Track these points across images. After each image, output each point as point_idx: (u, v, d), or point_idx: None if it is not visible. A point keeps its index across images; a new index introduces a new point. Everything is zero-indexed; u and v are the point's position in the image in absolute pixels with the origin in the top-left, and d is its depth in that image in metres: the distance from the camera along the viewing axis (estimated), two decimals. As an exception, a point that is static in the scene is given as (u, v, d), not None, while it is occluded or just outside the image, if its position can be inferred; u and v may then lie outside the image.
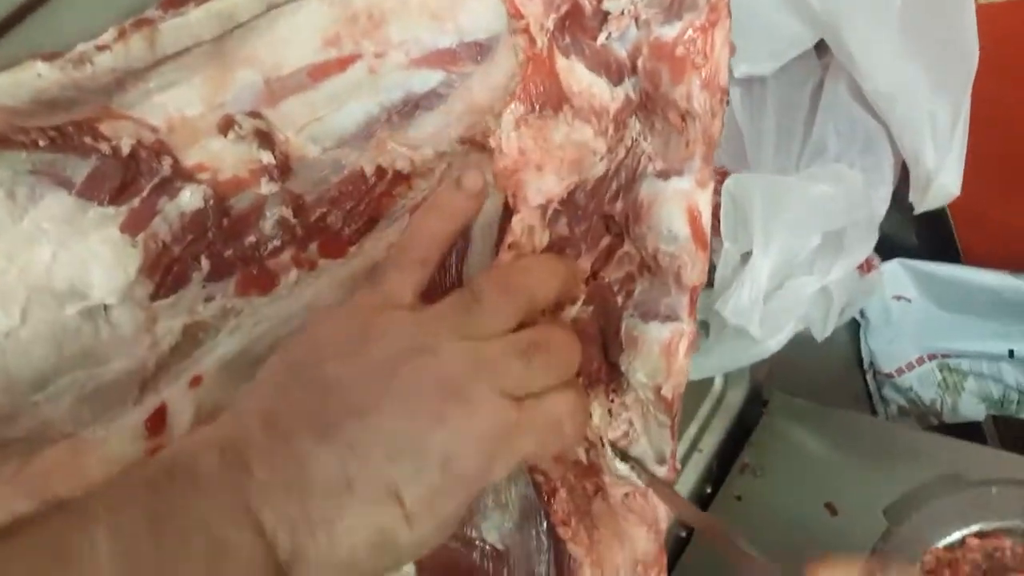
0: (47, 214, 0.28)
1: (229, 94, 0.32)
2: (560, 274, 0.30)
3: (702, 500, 0.61)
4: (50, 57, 0.27)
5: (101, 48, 0.27)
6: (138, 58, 0.29)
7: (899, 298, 0.71)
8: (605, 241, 0.33)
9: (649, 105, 0.31)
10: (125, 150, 0.29)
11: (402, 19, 0.33)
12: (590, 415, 0.34)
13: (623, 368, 0.34)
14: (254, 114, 0.32)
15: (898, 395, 0.75)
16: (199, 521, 0.24)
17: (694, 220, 0.30)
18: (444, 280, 0.35)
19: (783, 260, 0.40)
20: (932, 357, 0.74)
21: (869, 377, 0.76)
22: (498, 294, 0.29)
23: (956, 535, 0.37)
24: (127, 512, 0.23)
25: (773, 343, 0.47)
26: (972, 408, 0.73)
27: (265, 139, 0.33)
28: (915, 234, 0.70)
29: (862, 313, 0.74)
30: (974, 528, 0.38)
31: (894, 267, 0.69)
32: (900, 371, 0.74)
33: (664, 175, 0.31)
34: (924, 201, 0.48)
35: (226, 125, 0.32)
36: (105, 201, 0.29)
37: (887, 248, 0.69)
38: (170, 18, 0.28)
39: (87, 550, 0.22)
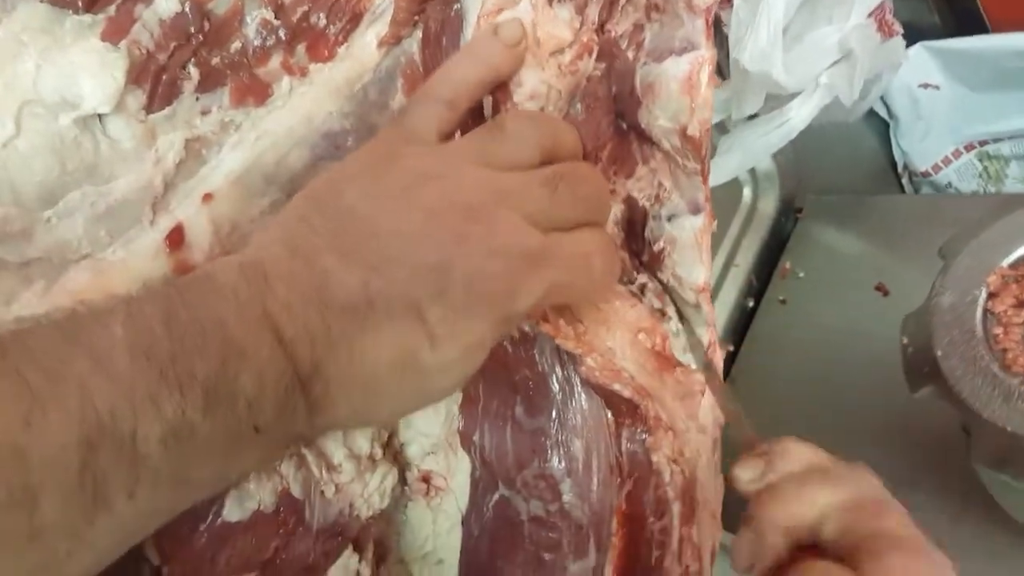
0: (21, 24, 0.26)
1: None
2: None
3: (745, 314, 0.60)
4: None
5: None
6: None
7: (926, 86, 0.67)
8: (607, -15, 0.31)
9: None
10: (88, -49, 0.28)
11: None
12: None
13: (643, 124, 0.32)
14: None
15: (937, 192, 0.72)
16: (215, 322, 0.23)
17: (698, -71, 0.28)
18: (442, 56, 0.34)
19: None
20: (969, 148, 0.71)
21: (904, 180, 0.73)
22: (523, 123, 0.28)
23: (1021, 250, 0.35)
24: (144, 308, 0.22)
25: (798, 114, 0.44)
26: (1018, 195, 0.70)
27: (232, -66, 0.31)
28: (936, 14, 0.66)
29: (889, 111, 0.70)
30: (1035, 240, 0.36)
31: (918, 52, 0.65)
32: (937, 168, 0.71)
33: None
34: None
35: (189, -80, 0.30)
36: (80, 9, 0.28)
37: (908, 35, 0.65)
38: None
39: (102, 335, 0.21)
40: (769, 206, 0.61)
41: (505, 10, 0.30)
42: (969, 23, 0.65)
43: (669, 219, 0.32)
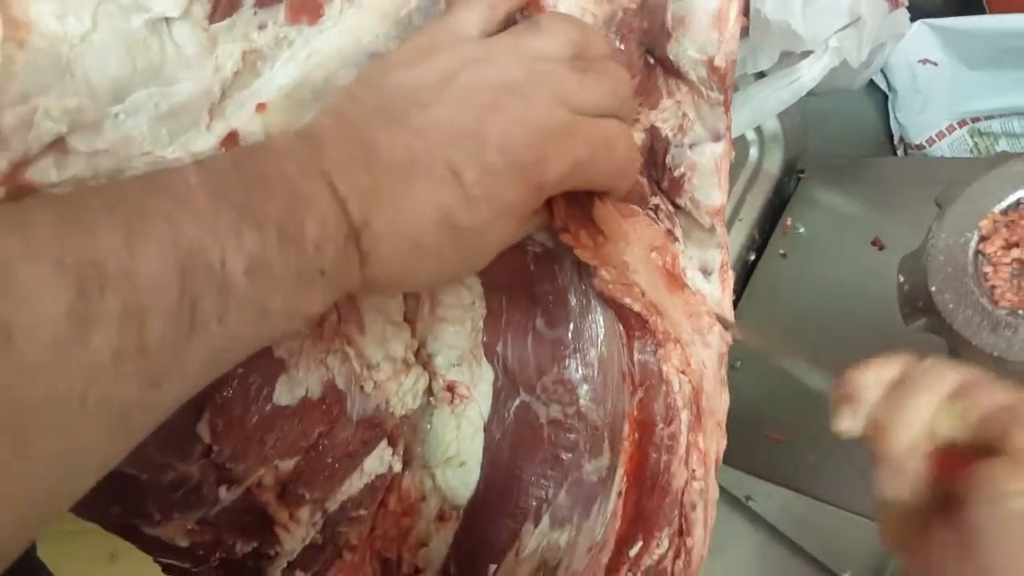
0: (99, -75, 0.28)
1: None
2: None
3: (747, 267, 0.62)
4: None
5: None
6: None
7: (926, 62, 0.70)
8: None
9: None
10: None
11: None
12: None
13: (672, 56, 0.34)
14: None
15: (932, 162, 0.75)
16: (279, 174, 0.25)
17: None
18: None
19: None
20: (962, 124, 0.74)
21: (900, 151, 0.76)
22: (557, 21, 0.30)
23: (1011, 198, 0.38)
24: (214, 162, 0.25)
25: (808, 73, 0.47)
26: (1004, 171, 0.73)
27: None
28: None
29: (889, 84, 0.73)
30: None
31: (918, 28, 0.68)
32: (931, 141, 0.74)
33: None
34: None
35: None
36: (152, -85, 0.29)
37: (911, 12, 0.67)
38: None
39: (178, 181, 0.23)
40: (774, 166, 0.63)
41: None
42: (968, 3, 0.68)
43: (691, 147, 0.34)
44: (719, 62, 0.32)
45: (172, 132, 0.31)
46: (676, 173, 0.35)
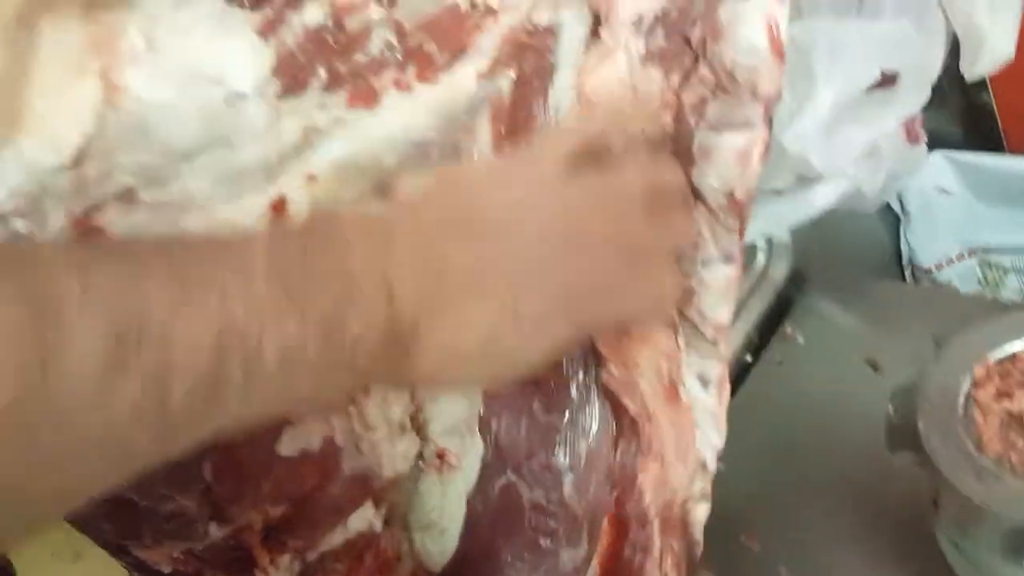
0: (200, 10, 0.32)
1: (347, -81, 0.35)
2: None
3: (743, 368, 0.64)
4: None
5: None
6: None
7: (941, 190, 0.73)
8: (686, 63, 0.36)
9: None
10: (261, -40, 0.33)
11: None
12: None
13: (695, 181, 0.37)
14: (367, -60, 0.36)
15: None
16: (341, 269, 0.26)
17: (772, 33, 0.33)
18: (531, 103, 0.39)
19: (844, 91, 0.43)
20: (972, 253, 0.77)
21: (908, 273, 0.78)
22: (638, 162, 0.32)
23: (1008, 349, 0.40)
24: (283, 240, 0.26)
25: (822, 196, 0.50)
26: (1013, 305, 0.75)
27: (376, -35, 0.36)
28: (959, 128, 0.72)
29: (903, 207, 0.76)
30: (1024, 341, 0.40)
31: (937, 158, 0.71)
32: (939, 266, 0.77)
33: (744, -8, 0.34)
34: (976, 65, 0.50)
35: (344, -51, 0.35)
36: (245, 5, 0.33)
37: (931, 142, 0.70)
38: None
39: (246, 253, 0.25)
40: (779, 274, 0.66)
41: (605, 63, 0.35)
42: (988, 140, 0.71)
43: (703, 264, 0.37)
44: (739, 196, 0.35)
45: (230, 192, 0.34)
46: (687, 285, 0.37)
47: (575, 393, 0.39)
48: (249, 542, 0.35)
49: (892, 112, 0.48)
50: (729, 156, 0.35)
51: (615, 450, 0.38)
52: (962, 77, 0.53)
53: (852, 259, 0.73)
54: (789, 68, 0.44)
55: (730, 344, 0.38)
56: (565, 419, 0.39)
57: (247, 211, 0.35)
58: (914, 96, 0.48)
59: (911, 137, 0.56)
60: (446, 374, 0.29)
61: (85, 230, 0.30)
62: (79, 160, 0.29)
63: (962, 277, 0.76)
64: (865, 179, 0.51)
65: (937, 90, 0.57)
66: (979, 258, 0.76)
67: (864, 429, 0.47)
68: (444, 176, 0.33)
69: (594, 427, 0.38)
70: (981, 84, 0.67)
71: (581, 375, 0.39)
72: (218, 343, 0.23)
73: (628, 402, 0.37)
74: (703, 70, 0.36)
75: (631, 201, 0.31)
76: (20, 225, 0.28)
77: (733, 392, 0.62)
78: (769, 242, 0.66)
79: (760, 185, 0.56)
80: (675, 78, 0.35)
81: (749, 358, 0.65)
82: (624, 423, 0.37)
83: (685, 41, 0.35)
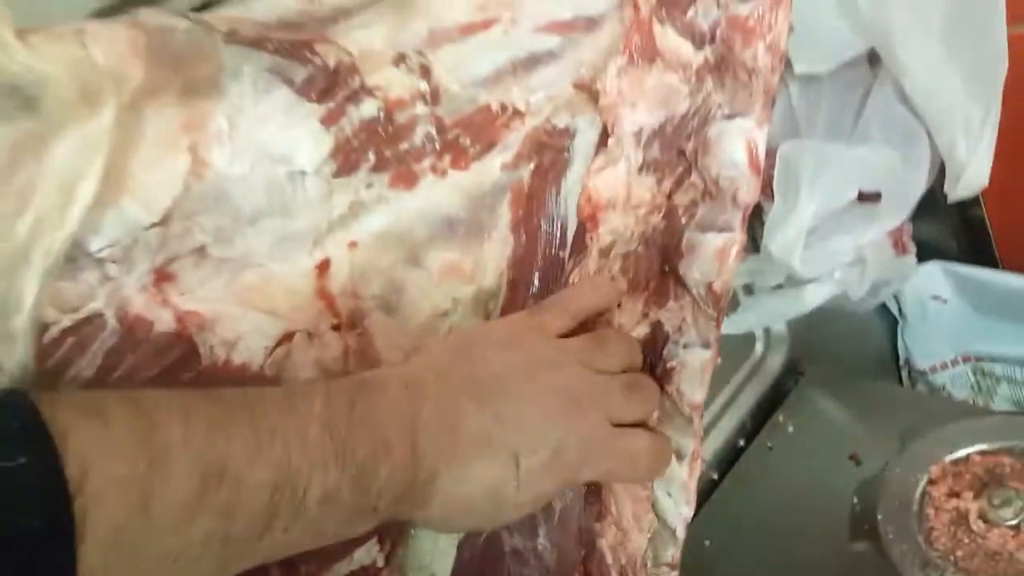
0: (275, 102, 0.38)
1: (404, 37, 0.42)
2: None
3: (733, 451, 0.68)
4: (296, -9, 0.37)
5: (329, -10, 0.38)
6: (349, 2, 0.40)
7: (936, 298, 0.77)
8: (679, 171, 0.42)
9: (722, 66, 0.41)
10: (331, 66, 0.40)
11: (534, -7, 0.43)
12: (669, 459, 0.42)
13: (681, 272, 0.42)
14: (419, 54, 0.43)
15: (931, 392, 0.80)
16: (379, 422, 0.32)
17: (751, 151, 0.39)
18: (544, 192, 0.45)
19: (825, 206, 0.48)
20: (967, 359, 0.80)
21: (904, 373, 0.82)
22: (619, 344, 0.40)
23: (962, 452, 0.43)
24: (336, 396, 0.32)
25: (811, 296, 0.54)
26: (1004, 413, 0.77)
27: (425, 73, 0.43)
28: (955, 241, 0.76)
29: (900, 311, 0.80)
30: (979, 447, 0.44)
31: (932, 268, 0.76)
32: (934, 369, 0.80)
33: (730, 117, 0.40)
34: (956, 190, 0.55)
35: (399, 59, 0.42)
36: (313, 99, 0.39)
37: (927, 252, 0.75)
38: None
39: (307, 408, 0.30)
40: (776, 364, 0.70)
41: (608, 168, 0.41)
42: (983, 254, 0.75)
43: (684, 346, 0.41)
44: (716, 288, 0.40)
45: (283, 252, 0.40)
46: (669, 365, 0.42)
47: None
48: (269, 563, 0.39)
49: (874, 225, 0.53)
50: (709, 252, 0.40)
51: (584, 513, 0.42)
52: (957, 194, 0.58)
53: (848, 355, 0.77)
54: (780, 181, 0.50)
55: (716, 418, 0.42)
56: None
57: (296, 270, 0.41)
58: (895, 213, 0.53)
59: (899, 248, 0.61)
60: (449, 520, 0.35)
61: (162, 277, 0.36)
62: (166, 220, 0.35)
63: (956, 381, 0.79)
64: (851, 284, 0.56)
65: (933, 204, 0.62)
66: (972, 365, 0.79)
67: (835, 518, 0.50)
68: (461, 340, 0.39)
69: (569, 491, 0.42)
70: (975, 200, 0.72)
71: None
72: (275, 488, 0.28)
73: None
74: (695, 177, 0.42)
75: (612, 376, 0.38)
76: (113, 270, 0.34)
77: (724, 473, 0.66)
78: (767, 333, 0.71)
79: (757, 282, 0.62)
80: (667, 184, 0.41)
81: (742, 442, 0.68)
82: (591, 488, 0.41)
83: (680, 152, 0.41)
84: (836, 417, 0.65)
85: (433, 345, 0.39)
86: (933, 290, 0.77)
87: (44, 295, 0.30)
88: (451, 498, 0.33)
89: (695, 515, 0.63)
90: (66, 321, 0.31)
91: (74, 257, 0.32)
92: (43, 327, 0.31)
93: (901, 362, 0.83)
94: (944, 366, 0.80)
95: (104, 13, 0.36)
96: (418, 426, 0.33)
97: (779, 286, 0.61)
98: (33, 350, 0.30)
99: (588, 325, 0.41)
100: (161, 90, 0.35)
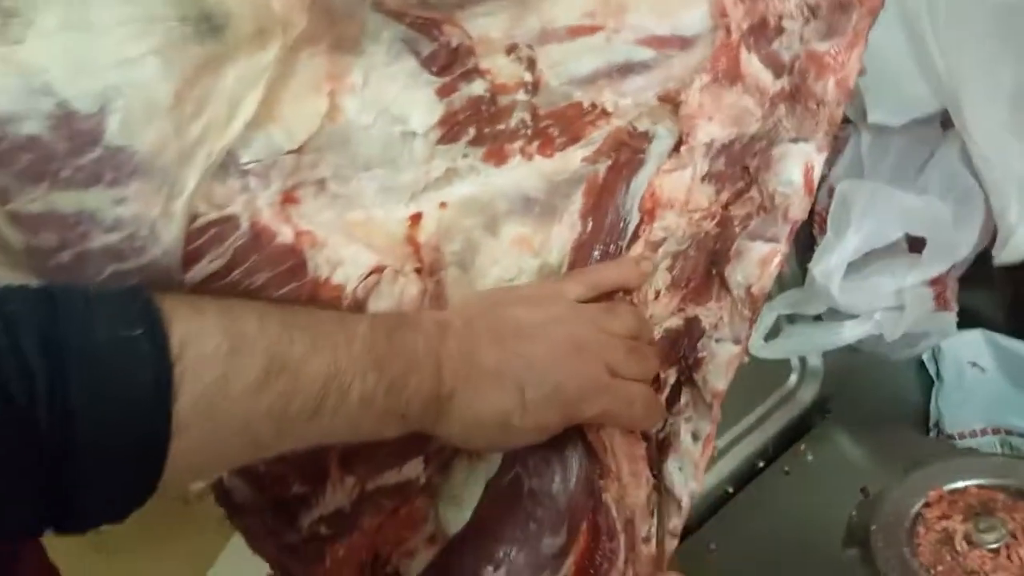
0: (402, 68, 0.45)
1: (518, 31, 0.48)
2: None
3: (753, 471, 0.71)
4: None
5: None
6: (477, -8, 0.46)
7: (975, 365, 0.79)
8: (740, 185, 0.47)
9: (796, 96, 0.45)
10: (453, 45, 0.46)
11: (639, 10, 0.49)
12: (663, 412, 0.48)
13: (727, 274, 0.47)
14: (529, 47, 0.49)
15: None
16: (411, 348, 0.39)
17: (807, 172, 0.44)
18: (616, 186, 0.50)
19: (870, 241, 0.52)
20: (996, 431, 0.81)
21: (933, 434, 0.83)
22: (628, 315, 0.46)
23: (961, 483, 0.47)
24: (380, 322, 0.39)
25: (848, 331, 0.58)
26: (1026, 488, 0.78)
27: (530, 65, 0.49)
28: (1002, 311, 0.78)
29: (938, 373, 0.82)
30: (978, 481, 0.47)
31: (975, 335, 0.78)
32: (963, 435, 0.81)
33: (795, 140, 0.45)
34: (1003, 253, 0.58)
35: (511, 49, 0.48)
36: (433, 72, 0.46)
37: (973, 319, 0.77)
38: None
39: (354, 327, 0.37)
40: (806, 397, 0.73)
41: (676, 171, 0.46)
42: (1027, 330, 0.77)
43: (717, 340, 0.46)
44: (755, 291, 0.44)
45: (383, 200, 0.47)
46: (700, 355, 0.46)
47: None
48: (328, 457, 0.45)
49: (916, 272, 0.56)
50: (755, 258, 0.45)
51: (591, 467, 0.47)
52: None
53: (879, 405, 0.79)
54: (834, 215, 0.54)
55: (720, 410, 0.46)
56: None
57: (394, 216, 0.47)
58: (938, 263, 0.57)
59: (940, 302, 0.64)
60: (465, 435, 0.41)
61: (288, 198, 0.43)
62: (301, 150, 0.42)
63: (982, 449, 0.80)
64: (887, 326, 0.59)
65: (986, 271, 0.65)
66: (1002, 437, 0.80)
67: (833, 534, 0.54)
68: (491, 296, 0.46)
69: (580, 445, 0.47)
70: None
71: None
72: (327, 379, 0.34)
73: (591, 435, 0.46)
74: (753, 192, 0.46)
75: (618, 337, 0.44)
76: (252, 183, 0.41)
77: (739, 489, 0.70)
78: (803, 366, 0.74)
79: (799, 312, 0.66)
80: (726, 195, 0.46)
81: (761, 464, 0.71)
82: (592, 450, 0.46)
83: (744, 168, 0.46)
84: (855, 455, 0.68)
85: (469, 295, 0.46)
86: (973, 357, 0.78)
87: (199, 189, 0.37)
88: (466, 415, 0.39)
89: (705, 521, 0.67)
90: (212, 215, 0.38)
91: (226, 165, 0.39)
92: (193, 216, 0.38)
93: (931, 423, 0.84)
94: (973, 433, 0.81)
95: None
96: (443, 354, 0.39)
97: (819, 317, 0.65)
98: (183, 232, 0.37)
99: (611, 300, 0.46)
100: (316, 40, 0.42)
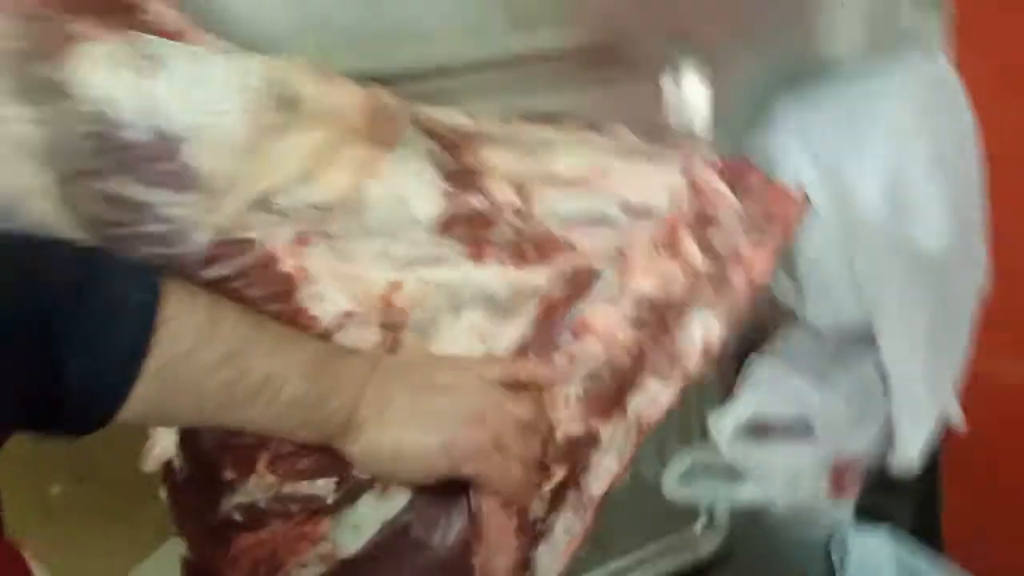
0: (424, 173, 0.57)
1: (522, 168, 0.61)
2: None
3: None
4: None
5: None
6: (498, 132, 0.59)
7: (874, 566, 0.84)
8: (656, 332, 0.57)
9: (716, 277, 0.56)
10: (468, 166, 0.58)
11: (623, 182, 0.61)
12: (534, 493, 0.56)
13: (628, 401, 0.56)
14: (528, 182, 0.61)
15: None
16: (345, 374, 0.49)
17: (708, 338, 0.53)
18: (564, 306, 0.61)
19: (762, 410, 0.61)
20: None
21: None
22: (529, 403, 0.54)
23: None
24: (326, 350, 0.50)
25: (741, 491, 0.65)
26: None
27: (524, 196, 0.61)
28: (906, 513, 0.84)
29: (842, 564, 0.87)
30: None
31: (880, 538, 0.82)
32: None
33: (706, 310, 0.55)
34: (892, 465, 0.66)
35: (513, 180, 0.61)
36: (447, 181, 0.58)
37: (877, 517, 0.82)
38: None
39: (302, 344, 0.48)
40: (707, 549, 0.79)
41: (607, 306, 0.57)
42: (930, 533, 0.82)
43: (606, 453, 0.55)
44: (643, 422, 0.53)
45: (376, 263, 0.57)
46: (590, 462, 0.55)
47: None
48: (258, 456, 0.54)
49: (807, 454, 0.64)
50: (650, 397, 0.54)
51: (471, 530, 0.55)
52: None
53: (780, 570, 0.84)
54: (741, 381, 0.63)
55: (594, 515, 0.54)
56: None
57: (379, 278, 0.58)
58: (826, 452, 0.65)
59: (837, 487, 0.71)
60: (364, 457, 0.50)
61: (300, 240, 0.54)
62: (323, 209, 0.54)
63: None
64: (778, 496, 0.67)
65: (887, 473, 0.72)
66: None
67: None
68: (424, 358, 0.55)
69: (466, 509, 0.55)
70: (935, 477, 0.80)
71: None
72: (267, 378, 0.45)
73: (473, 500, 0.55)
74: (666, 341, 0.56)
75: (516, 421, 0.52)
76: (276, 220, 0.52)
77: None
78: (711, 516, 0.80)
79: (706, 464, 0.73)
80: (643, 337, 0.56)
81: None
82: (472, 517, 0.54)
83: (663, 321, 0.56)
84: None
85: (404, 353, 0.56)
86: (873, 556, 0.83)
87: (235, 213, 0.49)
88: (370, 440, 0.49)
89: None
90: (238, 234, 0.50)
91: (262, 201, 0.51)
92: (224, 230, 0.49)
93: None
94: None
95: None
96: (367, 388, 0.49)
97: (722, 474, 0.72)
98: (212, 240, 0.49)
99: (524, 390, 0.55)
100: (361, 132, 0.54)
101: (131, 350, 0.39)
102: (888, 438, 0.68)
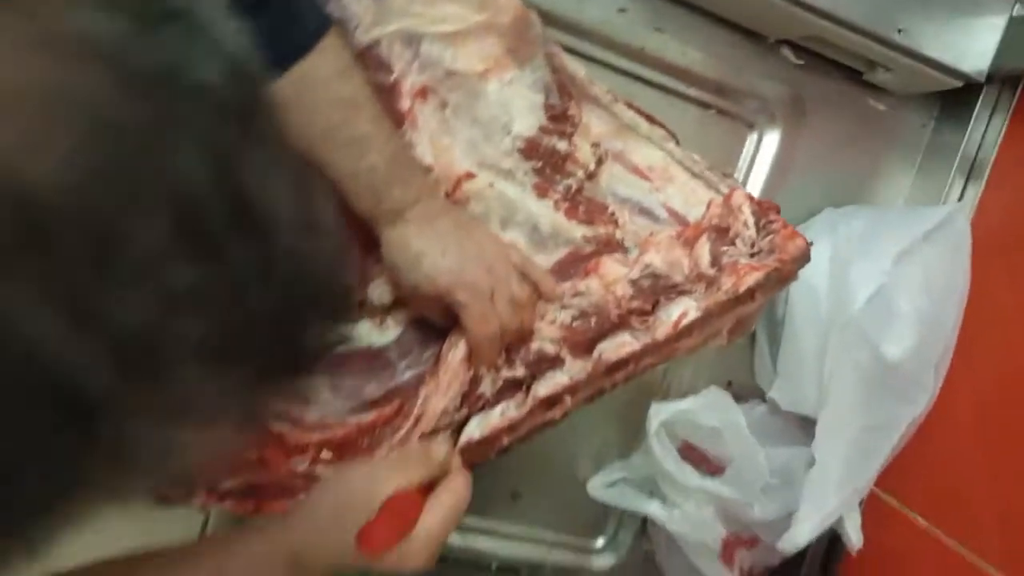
0: (533, 96, 0.70)
1: (608, 139, 0.73)
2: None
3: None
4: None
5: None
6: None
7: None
8: (646, 302, 0.66)
9: (712, 280, 0.66)
10: (569, 112, 0.71)
11: (679, 190, 0.73)
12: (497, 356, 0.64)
13: (597, 346, 0.65)
14: (607, 153, 0.73)
15: None
16: (412, 177, 0.60)
17: (681, 317, 0.62)
18: (588, 261, 0.71)
19: (696, 417, 0.68)
20: None
21: None
22: (529, 289, 0.64)
23: None
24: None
25: (647, 507, 0.73)
26: None
27: (599, 162, 0.73)
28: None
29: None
30: None
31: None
32: None
33: (689, 294, 0.64)
34: (782, 541, 0.72)
35: (595, 145, 0.73)
36: (547, 114, 0.70)
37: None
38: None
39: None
40: (603, 563, 0.84)
41: (619, 265, 0.67)
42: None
43: (560, 373, 0.63)
44: (599, 367, 0.62)
45: (465, 152, 0.70)
46: (544, 375, 0.64)
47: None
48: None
49: (711, 490, 0.71)
50: (617, 342, 0.63)
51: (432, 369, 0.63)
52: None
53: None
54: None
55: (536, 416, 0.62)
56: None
57: (461, 160, 0.70)
58: (732, 498, 0.71)
59: (725, 558, 0.76)
60: (390, 249, 0.60)
61: (421, 91, 0.67)
62: (454, 75, 0.66)
63: None
64: (678, 528, 0.73)
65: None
66: None
67: None
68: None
69: (438, 352, 0.64)
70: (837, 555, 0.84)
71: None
72: (364, 138, 0.56)
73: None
74: (650, 313, 0.66)
75: (513, 292, 0.62)
76: (419, 61, 0.65)
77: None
78: (615, 533, 0.86)
79: (633, 474, 0.80)
80: (636, 304, 0.65)
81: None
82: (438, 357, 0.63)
83: (655, 295, 0.66)
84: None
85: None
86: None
87: (393, 33, 0.62)
88: (403, 238, 0.59)
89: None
90: (384, 52, 0.62)
91: (413, 37, 0.64)
92: (378, 43, 0.62)
93: None
94: None
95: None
96: (424, 199, 0.60)
97: (642, 488, 0.78)
98: (364, 44, 0.61)
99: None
100: (505, 38, 0.68)
101: (301, 45, 0.51)
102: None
